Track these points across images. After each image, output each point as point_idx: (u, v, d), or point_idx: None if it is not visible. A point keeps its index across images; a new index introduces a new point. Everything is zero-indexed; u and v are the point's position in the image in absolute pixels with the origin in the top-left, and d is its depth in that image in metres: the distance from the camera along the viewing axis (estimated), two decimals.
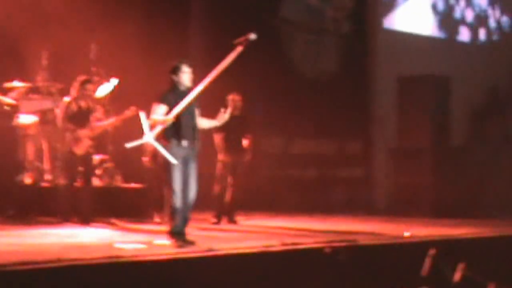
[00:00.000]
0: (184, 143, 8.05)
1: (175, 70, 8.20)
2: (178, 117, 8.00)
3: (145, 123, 7.95)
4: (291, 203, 13.38)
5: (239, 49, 8.10)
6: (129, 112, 10.63)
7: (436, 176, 13.68)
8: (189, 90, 8.11)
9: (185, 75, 8.18)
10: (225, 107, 11.14)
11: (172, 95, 8.09)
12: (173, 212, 8.05)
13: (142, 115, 8.02)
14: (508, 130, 15.27)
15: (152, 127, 7.97)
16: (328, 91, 14.20)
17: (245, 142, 11.13)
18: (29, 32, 11.58)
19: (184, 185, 8.04)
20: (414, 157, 13.76)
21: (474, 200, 13.61)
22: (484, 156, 14.04)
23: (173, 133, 8.02)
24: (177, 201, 7.98)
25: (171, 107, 8.00)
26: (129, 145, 8.05)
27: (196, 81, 8.16)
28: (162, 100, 8.07)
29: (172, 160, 7.91)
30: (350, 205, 13.68)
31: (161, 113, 8.00)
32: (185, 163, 8.06)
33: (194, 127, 8.15)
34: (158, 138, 8.03)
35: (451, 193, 13.49)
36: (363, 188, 14.47)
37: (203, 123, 8.40)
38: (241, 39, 8.09)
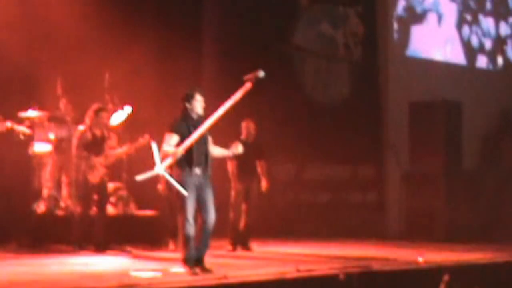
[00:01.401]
0: (197, 170, 8.10)
1: (188, 98, 8.27)
2: (190, 146, 8.06)
3: (156, 154, 8.01)
4: (305, 229, 13.41)
5: (248, 86, 8.17)
6: (142, 140, 10.70)
7: (449, 200, 13.67)
8: (200, 118, 8.18)
9: (198, 103, 8.25)
10: (238, 133, 11.30)
11: (184, 123, 8.16)
12: (186, 240, 8.08)
13: (154, 146, 8.08)
14: None
15: (163, 158, 8.02)
16: (341, 117, 14.26)
17: (259, 169, 11.18)
18: (43, 61, 11.72)
19: (200, 213, 8.09)
20: (427, 182, 13.76)
21: (488, 224, 13.59)
22: (497, 180, 14.03)
23: (185, 160, 8.08)
24: (190, 229, 8.02)
25: (183, 136, 8.06)
26: (139, 177, 8.10)
27: (209, 108, 8.25)
28: (174, 130, 8.13)
29: (183, 191, 7.95)
30: (364, 230, 13.66)
31: (172, 143, 8.04)
32: (199, 190, 8.11)
33: (206, 154, 8.20)
34: (171, 166, 8.07)
35: (464, 218, 13.49)
36: (376, 213, 14.46)
37: (216, 151, 8.44)
38: (250, 76, 8.17)
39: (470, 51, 16.66)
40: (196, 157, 8.09)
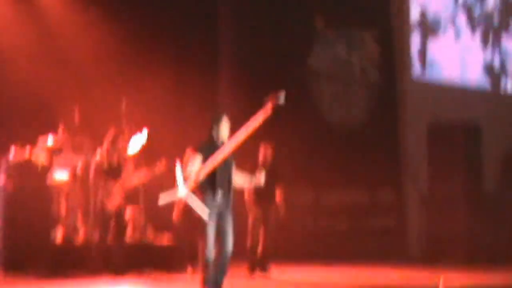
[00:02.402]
0: (219, 196, 8.09)
1: (217, 121, 8.31)
2: (214, 171, 8.05)
3: (179, 176, 8.00)
4: (323, 254, 13.32)
5: (269, 107, 8.18)
6: (159, 166, 10.73)
7: (470, 223, 13.63)
8: (223, 144, 8.19)
9: (225, 128, 8.28)
10: (256, 157, 11.29)
11: (209, 147, 8.20)
12: (205, 264, 8.07)
13: (178, 168, 8.08)
14: None
15: (186, 179, 8.01)
16: (359, 141, 14.25)
17: (277, 194, 11.15)
18: (61, 90, 11.83)
19: (220, 238, 8.07)
20: (447, 205, 13.73)
21: (509, 247, 13.47)
22: None
23: (208, 186, 8.08)
24: (210, 254, 8.02)
25: (206, 159, 8.07)
26: (162, 200, 8.10)
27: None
28: (199, 151, 8.16)
29: (204, 216, 7.94)
30: (384, 255, 13.58)
31: (196, 166, 8.05)
32: (220, 215, 8.10)
33: (229, 179, 8.19)
34: (194, 190, 8.06)
35: (485, 241, 13.42)
36: (396, 237, 14.39)
37: (238, 180, 8.42)
38: (271, 98, 8.18)
39: (489, 74, 16.65)
40: (219, 183, 8.09)
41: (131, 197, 11.03)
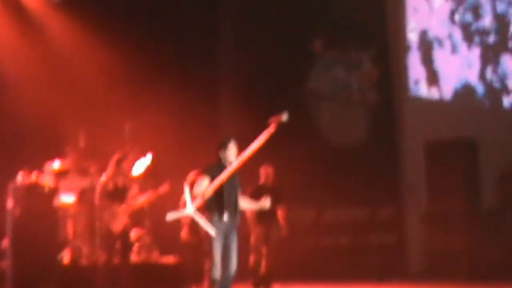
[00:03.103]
0: (226, 216, 8.35)
1: (224, 146, 8.58)
2: (221, 192, 8.32)
3: (188, 196, 8.27)
4: (325, 272, 13.51)
5: (272, 128, 8.43)
6: (163, 188, 10.97)
7: (469, 240, 13.66)
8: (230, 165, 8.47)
9: (232, 151, 8.56)
10: (257, 177, 11.53)
11: (216, 169, 8.47)
12: (212, 283, 8.29)
13: (186, 188, 8.36)
14: None
15: (193, 199, 8.28)
16: (358, 159, 14.37)
17: (278, 214, 11.38)
18: (67, 115, 12.12)
19: (224, 257, 8.31)
20: (446, 221, 13.78)
21: (508, 263, 13.59)
22: None
23: (215, 206, 8.34)
24: (216, 273, 8.24)
25: (213, 180, 8.34)
26: (170, 217, 8.36)
27: None
28: (206, 173, 8.44)
29: (212, 232, 8.20)
30: (384, 272, 13.75)
31: (204, 186, 8.32)
32: (226, 236, 8.35)
33: (236, 201, 8.46)
34: (201, 211, 8.33)
35: (485, 257, 13.48)
36: (396, 254, 14.52)
37: (244, 204, 8.69)
38: (275, 118, 8.43)
39: (487, 90, 16.82)
40: (226, 204, 8.35)
41: (136, 218, 11.27)
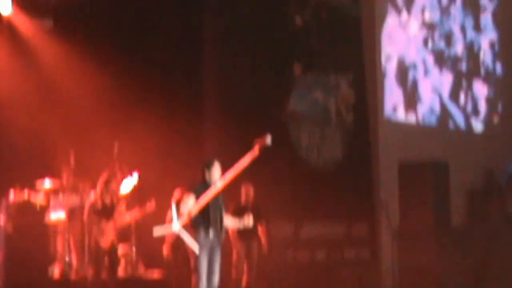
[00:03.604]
0: (212, 233, 8.88)
1: (209, 165, 9.13)
2: (207, 210, 8.86)
3: (174, 212, 8.82)
4: (301, 286, 13.97)
5: (256, 151, 8.96)
6: (149, 206, 11.47)
7: (440, 256, 14.05)
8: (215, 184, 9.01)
9: (216, 171, 9.11)
10: (238, 196, 12.05)
11: (202, 188, 9.00)
12: None
13: (173, 205, 8.91)
14: (507, 210, 15.81)
15: (179, 216, 8.83)
16: (335, 178, 14.76)
17: (259, 230, 11.92)
18: (57, 134, 12.51)
19: (209, 271, 8.84)
20: (417, 239, 14.14)
21: (477, 280, 14.06)
22: (484, 238, 14.52)
23: (202, 224, 8.88)
24: (202, 287, 8.76)
25: (198, 198, 8.88)
26: (156, 232, 8.90)
27: None
28: (192, 192, 8.97)
29: (196, 249, 8.74)
30: (357, 286, 14.25)
31: (189, 204, 8.86)
32: (210, 251, 8.88)
33: (221, 219, 9.01)
34: (188, 228, 8.89)
35: (454, 274, 13.85)
36: (370, 270, 14.90)
37: (228, 222, 9.24)
38: (259, 142, 8.94)
39: (459, 114, 17.35)
40: (212, 222, 8.89)
41: (123, 234, 11.74)
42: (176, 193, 11.05)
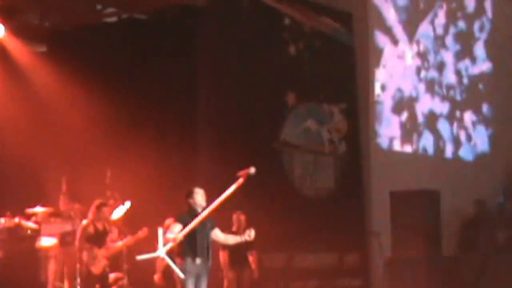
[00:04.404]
0: (198, 260, 8.94)
1: (190, 194, 9.22)
2: (194, 237, 8.91)
3: (160, 238, 8.87)
4: None
5: (241, 181, 9.03)
6: (141, 233, 11.45)
7: (431, 284, 14.16)
8: (204, 209, 9.06)
9: (199, 196, 9.19)
10: (230, 225, 12.06)
11: (188, 215, 9.08)
12: None
13: (160, 231, 8.96)
14: (497, 239, 15.88)
15: (166, 243, 8.88)
16: (327, 207, 14.80)
17: (250, 259, 11.93)
18: (49, 161, 12.55)
19: None
20: (409, 267, 14.26)
21: None
22: (475, 266, 14.59)
23: (188, 251, 8.94)
24: None
25: (185, 226, 8.93)
26: (140, 257, 8.94)
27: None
28: (178, 220, 9.06)
29: (181, 274, 8.78)
30: None
31: (175, 231, 8.92)
32: (197, 278, 8.92)
33: (208, 246, 9.05)
34: (175, 256, 8.92)
35: None
36: None
37: (230, 239, 9.33)
38: (243, 172, 9.04)
39: (450, 143, 17.46)
40: (199, 249, 8.94)
41: (115, 261, 11.71)
42: (168, 221, 11.05)
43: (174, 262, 8.98)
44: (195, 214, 9.05)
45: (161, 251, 8.83)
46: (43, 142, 12.80)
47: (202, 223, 9.02)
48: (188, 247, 8.94)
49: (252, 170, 9.09)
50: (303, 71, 14.95)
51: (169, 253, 8.95)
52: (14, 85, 12.91)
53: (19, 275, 11.20)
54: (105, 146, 12.69)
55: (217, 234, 9.29)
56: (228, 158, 12.75)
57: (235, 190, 9.04)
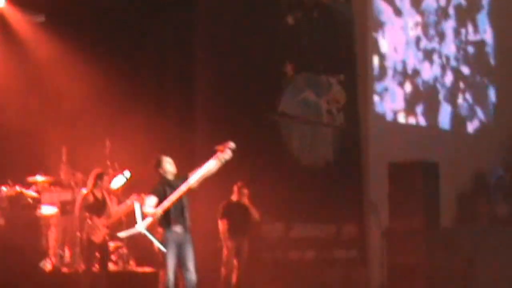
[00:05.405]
0: (176, 228, 8.90)
1: (158, 164, 9.17)
2: (168, 208, 8.90)
3: (138, 213, 8.88)
4: (292, 284, 14.05)
5: (219, 154, 8.91)
6: (130, 201, 11.46)
7: (428, 256, 14.23)
8: (176, 176, 8.95)
9: (167, 164, 9.15)
10: (229, 194, 12.15)
11: (161, 186, 9.04)
12: None
13: (137, 205, 8.96)
14: (495, 211, 15.95)
15: (144, 217, 8.90)
16: (325, 179, 14.89)
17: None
18: (50, 131, 12.59)
19: (183, 267, 8.86)
20: (406, 239, 14.32)
21: (465, 279, 14.16)
22: (473, 237, 14.65)
23: (165, 220, 8.92)
24: (170, 283, 8.76)
25: (160, 197, 8.91)
26: (121, 234, 8.96)
27: None
28: (152, 192, 9.00)
29: (162, 247, 8.77)
30: (347, 285, 14.34)
31: (150, 204, 8.89)
32: (179, 247, 8.87)
33: (183, 212, 8.98)
34: (154, 225, 8.94)
35: (443, 273, 14.01)
36: (359, 269, 15.01)
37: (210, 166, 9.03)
38: (220, 146, 8.97)
39: (450, 114, 17.45)
40: (174, 217, 8.92)
41: (114, 230, 11.78)
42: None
43: (154, 236, 8.97)
44: (168, 183, 9.02)
45: (141, 227, 8.82)
46: (43, 112, 12.83)
47: (174, 188, 8.91)
48: (164, 217, 8.92)
49: (232, 144, 8.96)
50: (301, 41, 14.97)
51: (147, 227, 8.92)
52: (13, 55, 12.90)
53: (20, 243, 11.23)
54: (105, 116, 12.74)
55: (191, 179, 8.96)
56: (226, 129, 12.79)
57: (217, 165, 8.93)
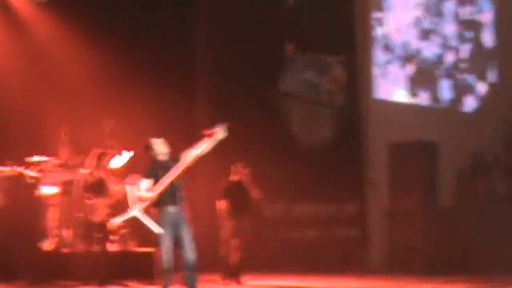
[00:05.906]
0: (170, 208, 8.83)
1: (149, 147, 9.03)
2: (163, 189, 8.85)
3: (131, 197, 8.83)
4: (292, 263, 14.13)
5: (207, 139, 8.72)
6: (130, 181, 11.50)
7: (428, 235, 14.30)
8: (169, 157, 8.91)
9: (158, 146, 9.05)
10: (228, 174, 12.15)
11: (154, 168, 8.87)
12: (162, 273, 8.75)
13: (129, 189, 8.90)
14: (494, 190, 15.99)
15: (138, 200, 8.85)
16: (325, 158, 14.94)
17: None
18: (50, 111, 12.61)
19: (181, 248, 8.83)
20: (406, 218, 14.42)
21: (465, 257, 14.24)
22: (471, 216, 14.72)
23: (158, 201, 8.80)
24: (166, 263, 8.69)
25: (154, 178, 8.84)
26: (116, 220, 8.94)
27: None
28: (144, 175, 8.87)
29: (156, 229, 8.71)
30: (347, 264, 14.41)
31: (143, 187, 8.77)
32: (174, 227, 8.75)
33: (175, 192, 8.79)
34: (148, 206, 8.88)
35: (442, 251, 14.10)
36: (359, 248, 15.10)
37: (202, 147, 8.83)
38: (209, 132, 8.84)
39: (449, 94, 17.42)
40: (167, 198, 8.82)
41: (115, 210, 11.81)
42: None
43: (149, 219, 8.90)
44: (160, 165, 8.94)
45: (135, 211, 8.76)
46: (44, 92, 12.83)
47: (166, 170, 8.79)
48: (157, 198, 8.83)
49: (221, 131, 8.78)
50: (301, 22, 14.94)
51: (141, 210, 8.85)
52: (15, 36, 12.90)
53: (21, 222, 11.27)
54: (106, 96, 12.73)
55: (185, 158, 8.77)
56: (227, 109, 12.79)
57: (210, 145, 8.80)
